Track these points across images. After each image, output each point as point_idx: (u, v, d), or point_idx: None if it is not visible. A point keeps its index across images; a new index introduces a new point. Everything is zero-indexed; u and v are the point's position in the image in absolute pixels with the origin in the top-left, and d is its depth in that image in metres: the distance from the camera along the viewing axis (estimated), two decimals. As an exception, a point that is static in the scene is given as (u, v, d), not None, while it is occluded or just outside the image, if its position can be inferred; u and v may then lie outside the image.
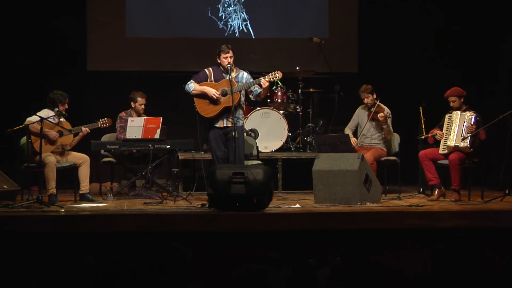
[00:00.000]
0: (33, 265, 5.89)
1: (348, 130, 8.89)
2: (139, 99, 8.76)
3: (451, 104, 8.18)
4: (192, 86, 7.83)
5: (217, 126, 7.82)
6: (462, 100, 8.18)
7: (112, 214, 6.84)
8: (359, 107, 8.89)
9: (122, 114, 8.76)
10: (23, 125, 7.62)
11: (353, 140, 8.62)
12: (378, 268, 6.07)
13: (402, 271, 6.05)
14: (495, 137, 8.68)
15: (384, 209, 7.15)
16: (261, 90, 7.80)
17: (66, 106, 8.02)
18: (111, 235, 6.10)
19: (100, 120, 8.20)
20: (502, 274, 6.09)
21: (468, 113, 8.01)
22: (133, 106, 8.79)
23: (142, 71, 10.40)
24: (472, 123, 7.93)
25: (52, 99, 8.00)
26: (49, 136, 7.81)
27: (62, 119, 8.03)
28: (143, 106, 8.77)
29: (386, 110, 8.57)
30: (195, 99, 7.85)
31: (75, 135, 8.12)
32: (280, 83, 9.18)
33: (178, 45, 10.56)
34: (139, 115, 8.75)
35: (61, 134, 7.95)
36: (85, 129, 8.06)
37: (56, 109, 7.92)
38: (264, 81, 7.68)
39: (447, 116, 8.20)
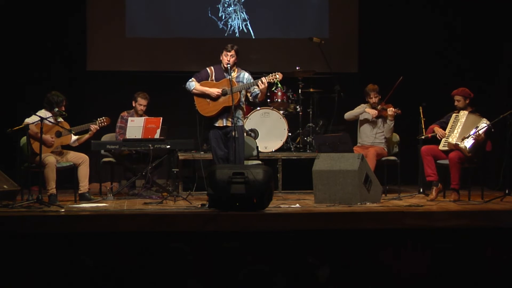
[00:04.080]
0: (33, 265, 5.89)
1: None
2: (139, 99, 8.76)
3: (456, 103, 8.15)
4: (193, 84, 7.84)
5: (216, 125, 7.82)
6: (467, 101, 8.15)
7: (112, 214, 6.83)
8: (363, 105, 8.85)
9: (124, 114, 8.77)
10: (22, 125, 7.61)
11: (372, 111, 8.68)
12: (378, 268, 6.08)
13: (402, 271, 6.05)
14: (495, 137, 8.66)
15: (384, 209, 7.14)
16: (259, 92, 7.78)
17: (63, 109, 8.00)
18: (111, 235, 6.10)
19: (98, 119, 8.20)
20: (502, 274, 6.10)
21: (483, 120, 7.94)
22: (133, 105, 8.81)
23: (142, 71, 10.38)
24: (482, 131, 7.88)
25: (50, 101, 7.96)
26: (45, 141, 7.75)
27: (60, 119, 8.02)
28: (142, 107, 8.77)
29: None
30: (195, 97, 7.85)
31: (81, 133, 8.12)
32: (280, 85, 9.18)
33: (178, 45, 10.55)
34: (139, 115, 8.75)
35: (59, 134, 7.94)
36: (94, 127, 8.07)
37: (56, 109, 7.92)
38: (261, 83, 7.66)
39: (454, 114, 8.15)
